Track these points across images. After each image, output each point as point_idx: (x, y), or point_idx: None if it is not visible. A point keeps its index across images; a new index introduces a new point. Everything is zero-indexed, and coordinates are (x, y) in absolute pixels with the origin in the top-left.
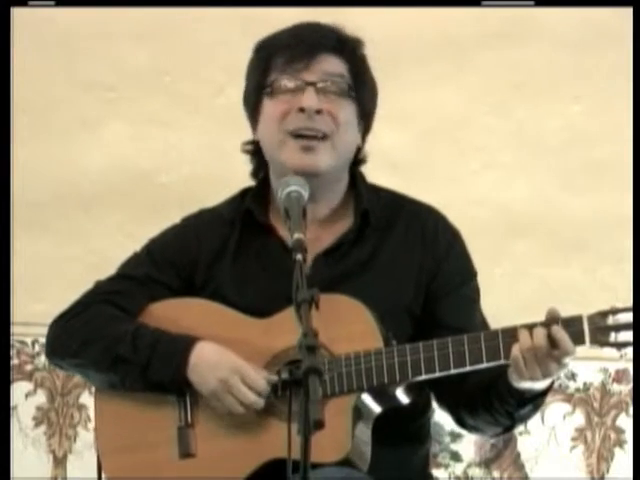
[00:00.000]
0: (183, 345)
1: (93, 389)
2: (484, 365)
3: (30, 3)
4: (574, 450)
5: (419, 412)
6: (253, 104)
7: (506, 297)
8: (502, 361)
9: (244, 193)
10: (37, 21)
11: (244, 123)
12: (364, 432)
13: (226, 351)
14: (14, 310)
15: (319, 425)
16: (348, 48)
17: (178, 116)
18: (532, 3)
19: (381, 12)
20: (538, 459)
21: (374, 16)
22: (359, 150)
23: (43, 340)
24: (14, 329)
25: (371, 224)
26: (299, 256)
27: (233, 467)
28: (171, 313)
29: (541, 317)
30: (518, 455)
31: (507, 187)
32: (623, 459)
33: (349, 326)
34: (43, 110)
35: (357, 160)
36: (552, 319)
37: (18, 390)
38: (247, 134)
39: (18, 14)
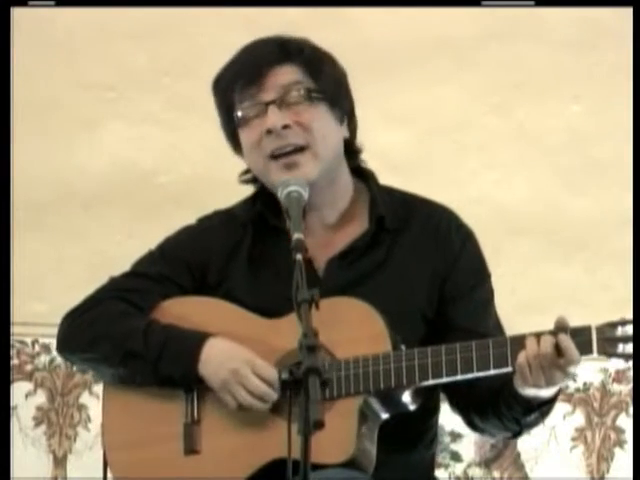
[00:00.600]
0: (195, 341)
1: (93, 389)
2: (492, 372)
3: (30, 3)
4: (574, 450)
5: (426, 416)
6: (232, 138)
7: (506, 297)
8: (509, 369)
9: (257, 195)
10: (37, 21)
11: None
12: (369, 435)
13: (237, 345)
14: (14, 310)
15: (319, 425)
16: (294, 52)
17: (178, 116)
18: (532, 3)
19: (381, 12)
20: (538, 459)
21: (374, 16)
22: (350, 143)
23: (43, 340)
24: (14, 329)
25: (386, 228)
26: (299, 256)
27: (237, 465)
28: (182, 310)
29: (541, 317)
30: (518, 455)
31: (507, 187)
32: (623, 459)
33: (359, 329)
34: (43, 110)
35: (351, 152)
36: (561, 328)
37: (18, 390)
38: None
39: (18, 14)
